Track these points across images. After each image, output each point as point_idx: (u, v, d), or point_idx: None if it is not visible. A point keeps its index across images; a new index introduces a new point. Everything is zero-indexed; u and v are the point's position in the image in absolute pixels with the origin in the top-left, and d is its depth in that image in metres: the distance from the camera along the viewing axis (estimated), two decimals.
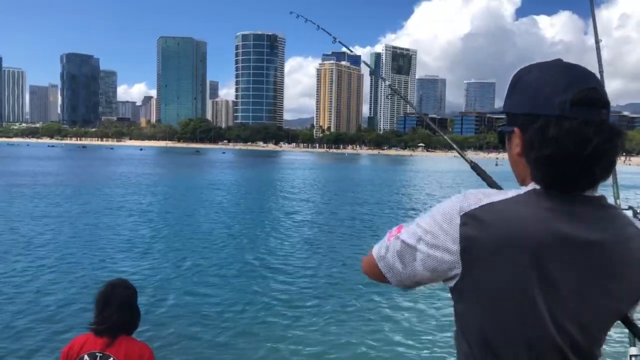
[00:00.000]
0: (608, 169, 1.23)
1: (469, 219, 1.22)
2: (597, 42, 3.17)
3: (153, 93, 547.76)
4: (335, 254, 14.80)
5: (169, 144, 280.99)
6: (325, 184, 45.79)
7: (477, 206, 1.23)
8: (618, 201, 2.76)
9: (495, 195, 1.25)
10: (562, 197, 1.23)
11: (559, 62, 1.30)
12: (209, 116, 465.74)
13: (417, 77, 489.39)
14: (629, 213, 2.49)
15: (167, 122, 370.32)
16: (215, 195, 31.76)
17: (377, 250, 1.38)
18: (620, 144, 1.22)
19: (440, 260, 1.25)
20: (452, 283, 1.28)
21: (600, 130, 1.19)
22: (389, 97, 8.78)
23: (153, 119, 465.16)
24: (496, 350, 1.25)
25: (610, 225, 1.25)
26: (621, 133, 1.23)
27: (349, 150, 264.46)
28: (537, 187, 1.25)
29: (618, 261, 1.24)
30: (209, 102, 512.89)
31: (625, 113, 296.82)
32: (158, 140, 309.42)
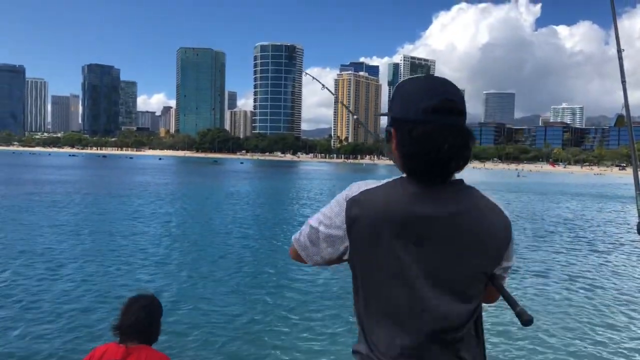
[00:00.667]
0: (461, 164, 1.55)
1: (352, 202, 1.56)
2: (620, 51, 3.15)
3: (172, 103, 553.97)
4: None
5: (188, 153, 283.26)
6: None
7: (358, 192, 1.58)
8: None
9: (372, 184, 1.60)
10: (423, 183, 1.54)
11: (428, 76, 1.62)
12: (227, 126, 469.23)
13: None
14: None
15: (186, 132, 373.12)
16: (233, 204, 31.70)
17: (295, 236, 1.74)
18: (472, 144, 1.56)
19: (335, 237, 1.60)
20: (347, 256, 1.62)
21: (454, 134, 1.51)
22: None
23: (172, 129, 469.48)
24: (383, 310, 1.57)
25: (464, 201, 1.56)
26: (472, 136, 1.56)
27: (366, 160, 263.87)
28: (403, 175, 1.59)
29: (474, 230, 1.55)
30: (227, 113, 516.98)
31: None
32: (177, 150, 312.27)
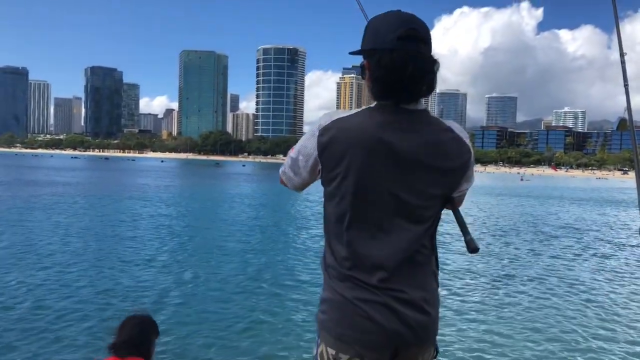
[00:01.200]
0: (425, 88, 1.72)
1: (324, 130, 1.74)
2: (622, 55, 3.14)
3: (174, 106, 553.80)
4: None
5: (190, 156, 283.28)
6: None
7: (330, 121, 1.75)
8: None
9: (342, 113, 1.77)
10: (390, 110, 1.72)
11: (394, 11, 1.76)
12: (229, 129, 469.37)
13: (437, 91, 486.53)
14: None
15: (188, 135, 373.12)
16: (233, 207, 31.77)
17: (282, 169, 1.96)
18: (436, 69, 1.74)
19: (311, 161, 1.80)
20: (320, 178, 1.83)
21: (417, 59, 1.68)
22: None
23: (174, 132, 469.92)
24: (349, 223, 1.76)
25: (427, 131, 1.74)
26: (435, 61, 1.73)
27: None
28: (373, 105, 1.76)
29: (435, 159, 1.73)
30: (229, 115, 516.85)
31: None
32: (179, 152, 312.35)
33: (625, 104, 3.20)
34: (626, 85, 3.16)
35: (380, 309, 1.69)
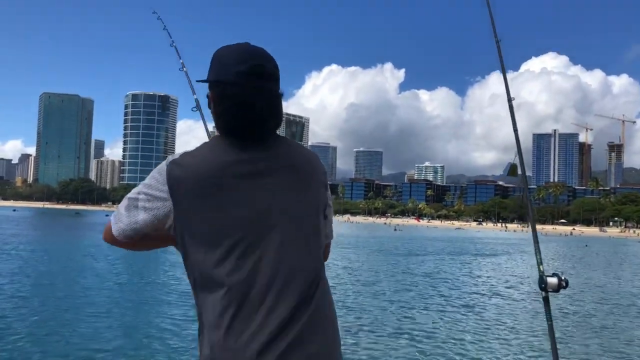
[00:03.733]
0: (273, 124, 1.65)
1: (173, 165, 1.58)
2: (510, 100, 3.33)
3: (31, 150, 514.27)
4: None
5: (47, 204, 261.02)
6: None
7: (178, 155, 1.62)
8: (542, 267, 2.91)
9: (192, 148, 1.65)
10: (239, 140, 1.61)
11: (243, 44, 1.67)
12: (92, 176, 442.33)
13: (309, 143, 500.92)
14: (554, 280, 2.79)
15: (46, 182, 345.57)
16: (88, 260, 28.44)
17: (112, 215, 1.68)
18: (280, 106, 1.67)
19: (156, 200, 1.58)
20: (170, 224, 1.60)
21: (264, 95, 1.62)
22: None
23: (30, 178, 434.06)
24: (223, 278, 1.52)
25: (285, 148, 1.67)
26: (279, 97, 1.66)
27: None
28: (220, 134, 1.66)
29: (301, 172, 1.66)
30: (93, 162, 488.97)
31: (501, 183, 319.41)
32: (34, 200, 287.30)
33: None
34: (515, 131, 3.28)
35: None
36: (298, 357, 1.47)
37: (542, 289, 2.86)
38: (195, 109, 3.43)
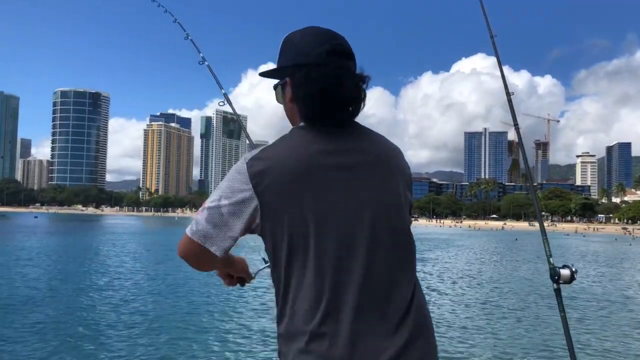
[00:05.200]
0: (357, 106, 1.58)
1: (253, 161, 1.49)
2: (508, 94, 3.33)
3: None
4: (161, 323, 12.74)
5: None
6: (159, 248, 42.37)
7: (257, 152, 1.52)
8: (551, 259, 2.89)
9: (269, 143, 1.57)
10: (321, 128, 1.54)
11: (314, 27, 1.64)
12: (18, 177, 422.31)
13: (247, 142, 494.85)
14: (567, 272, 2.75)
15: None
16: (22, 265, 27.22)
17: (189, 229, 1.50)
18: (366, 86, 1.59)
19: (241, 201, 1.47)
20: (257, 223, 1.50)
21: (349, 74, 1.56)
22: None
23: None
24: (314, 264, 1.46)
25: (369, 138, 1.61)
26: (366, 77, 1.59)
27: (179, 213, 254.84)
28: (301, 124, 1.58)
29: (387, 163, 1.59)
30: (19, 162, 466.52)
31: (434, 179, 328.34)
32: None
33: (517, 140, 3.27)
34: (516, 125, 3.27)
35: None
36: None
37: (554, 281, 2.84)
38: (223, 103, 3.32)
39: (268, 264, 1.59)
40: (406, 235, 1.58)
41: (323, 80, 1.52)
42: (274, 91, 1.68)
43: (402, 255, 1.55)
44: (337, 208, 1.49)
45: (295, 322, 1.45)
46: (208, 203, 1.50)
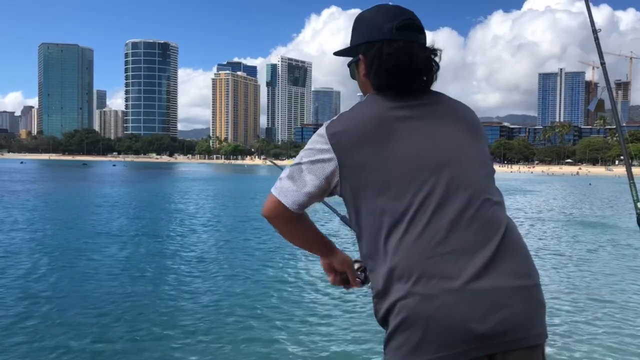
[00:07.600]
0: (432, 76, 1.65)
1: (332, 123, 1.59)
2: (595, 31, 3.22)
3: (33, 102, 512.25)
4: (239, 269, 13.50)
5: (53, 156, 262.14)
6: (233, 194, 44.00)
7: (335, 117, 1.61)
8: (639, 204, 2.83)
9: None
10: (396, 92, 1.62)
11: (383, 4, 1.69)
12: (96, 127, 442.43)
13: (312, 89, 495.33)
14: None
15: (51, 134, 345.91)
16: (102, 210, 29.09)
17: (273, 188, 1.61)
18: (438, 59, 1.67)
19: (321, 160, 1.56)
20: (336, 181, 1.58)
21: (421, 47, 1.63)
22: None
23: (34, 131, 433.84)
24: (400, 213, 1.51)
25: (441, 101, 1.67)
26: (437, 50, 1.67)
27: (247, 161, 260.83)
28: (374, 92, 1.66)
29: (465, 118, 1.67)
30: (96, 113, 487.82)
31: (506, 124, 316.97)
32: (40, 152, 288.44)
33: (604, 83, 3.27)
34: (603, 64, 3.20)
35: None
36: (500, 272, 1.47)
37: None
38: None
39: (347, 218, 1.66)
40: (487, 178, 1.61)
41: (395, 55, 1.58)
42: (347, 68, 1.75)
43: (489, 192, 1.58)
44: (416, 154, 1.54)
45: (396, 271, 1.48)
46: (291, 165, 1.61)
